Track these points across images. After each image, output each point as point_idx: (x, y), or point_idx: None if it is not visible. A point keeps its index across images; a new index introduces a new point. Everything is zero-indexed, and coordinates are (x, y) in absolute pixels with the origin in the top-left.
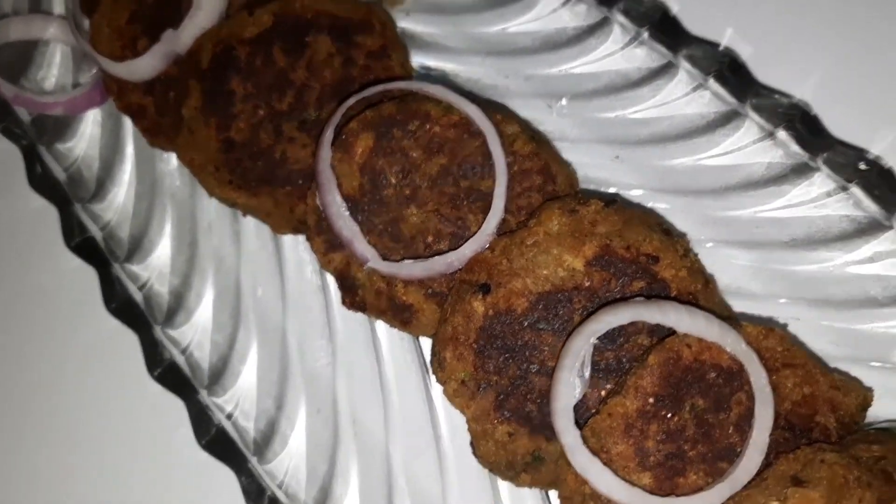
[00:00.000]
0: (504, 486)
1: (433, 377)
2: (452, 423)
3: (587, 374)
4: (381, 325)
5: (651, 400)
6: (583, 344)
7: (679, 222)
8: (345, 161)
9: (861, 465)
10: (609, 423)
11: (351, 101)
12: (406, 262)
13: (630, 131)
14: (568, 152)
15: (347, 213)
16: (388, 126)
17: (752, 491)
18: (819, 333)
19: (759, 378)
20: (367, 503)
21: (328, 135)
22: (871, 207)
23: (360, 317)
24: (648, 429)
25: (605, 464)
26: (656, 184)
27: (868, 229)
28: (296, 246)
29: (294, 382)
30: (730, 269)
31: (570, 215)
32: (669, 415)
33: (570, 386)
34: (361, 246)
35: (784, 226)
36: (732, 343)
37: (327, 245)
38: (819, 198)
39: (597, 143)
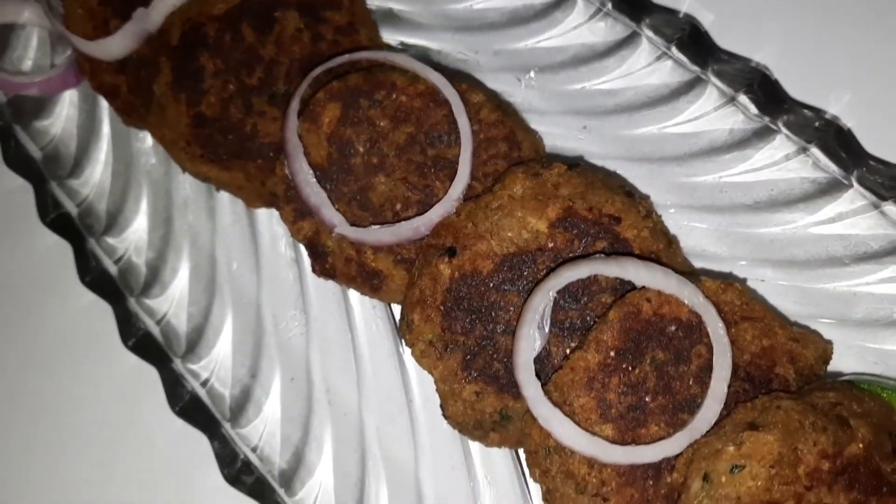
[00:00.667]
0: (475, 448)
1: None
2: (425, 390)
3: (547, 328)
4: (353, 295)
5: (612, 354)
6: (542, 299)
7: (644, 189)
8: (312, 131)
9: (817, 411)
10: (571, 377)
11: (318, 70)
12: (373, 227)
13: (597, 102)
14: (537, 124)
15: (315, 180)
16: (355, 96)
17: (710, 438)
18: (782, 293)
19: (716, 329)
20: (340, 469)
21: (295, 104)
22: (831, 167)
23: (333, 288)
24: (610, 382)
25: (567, 416)
26: (623, 152)
27: (829, 189)
28: (270, 221)
29: (268, 352)
30: (695, 233)
31: (533, 179)
32: (630, 368)
33: (530, 340)
34: (329, 212)
35: (747, 190)
36: (690, 295)
37: (296, 213)
38: (780, 161)
39: (565, 115)
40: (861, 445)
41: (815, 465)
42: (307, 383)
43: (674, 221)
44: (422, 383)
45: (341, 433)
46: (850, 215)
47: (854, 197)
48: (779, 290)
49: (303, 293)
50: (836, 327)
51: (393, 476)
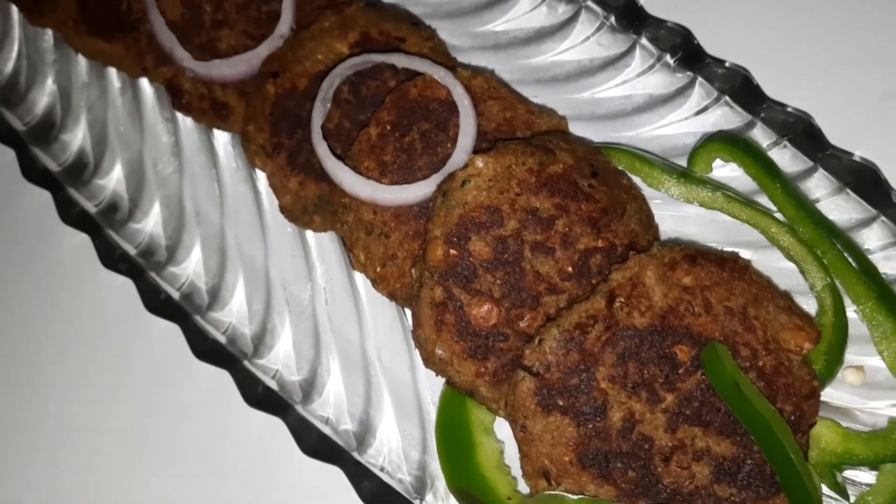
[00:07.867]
0: (310, 237)
1: (258, 171)
2: (273, 206)
3: (329, 104)
4: (218, 140)
5: (388, 127)
6: (329, 81)
7: (450, 39)
8: None
9: (531, 145)
10: (358, 147)
11: None
12: (215, 61)
13: None
14: None
15: (166, 27)
16: None
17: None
18: (552, 105)
19: (461, 99)
20: (207, 267)
21: None
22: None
23: (201, 137)
24: (387, 148)
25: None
26: (430, 13)
27: (575, 16)
28: (152, 92)
29: (149, 186)
30: (484, 64)
31: (338, 14)
32: (402, 136)
33: (319, 111)
34: (179, 52)
35: (521, 30)
36: (439, 73)
37: (157, 60)
38: (538, 5)
39: None
40: (561, 166)
41: (524, 178)
42: (179, 209)
43: (469, 58)
44: (271, 202)
45: (206, 241)
46: (593, 35)
47: (590, 19)
48: (548, 102)
49: (177, 143)
50: (590, 123)
51: (247, 269)
